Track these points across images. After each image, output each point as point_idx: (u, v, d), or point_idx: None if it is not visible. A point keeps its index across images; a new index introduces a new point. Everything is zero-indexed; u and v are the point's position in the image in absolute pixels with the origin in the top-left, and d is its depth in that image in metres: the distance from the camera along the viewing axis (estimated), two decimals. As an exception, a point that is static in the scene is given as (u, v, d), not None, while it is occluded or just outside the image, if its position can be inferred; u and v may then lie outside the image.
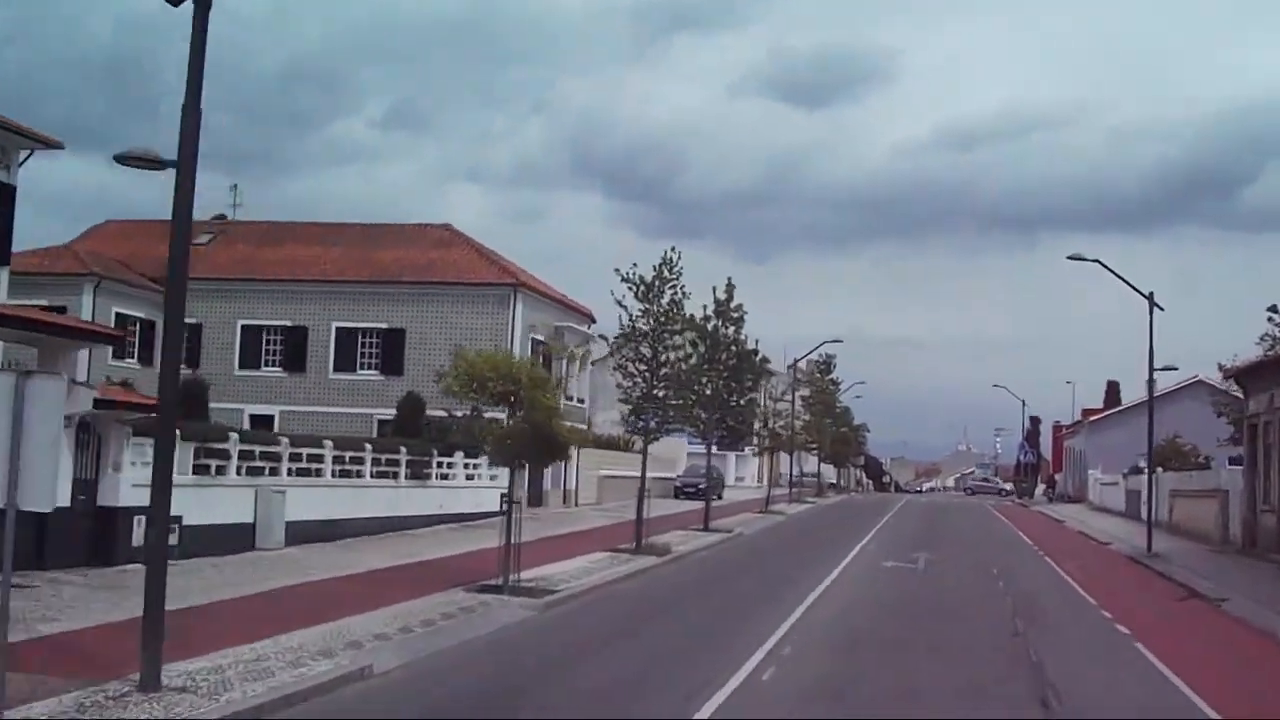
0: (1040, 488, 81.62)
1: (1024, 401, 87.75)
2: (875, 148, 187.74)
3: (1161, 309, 30.16)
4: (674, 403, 29.97)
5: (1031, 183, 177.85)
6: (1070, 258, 29.88)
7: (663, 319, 27.37)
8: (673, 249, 27.57)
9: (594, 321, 43.42)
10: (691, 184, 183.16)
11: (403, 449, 29.21)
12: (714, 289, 34.63)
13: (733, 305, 34.61)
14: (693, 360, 34.39)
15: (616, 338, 30.63)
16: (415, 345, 37.02)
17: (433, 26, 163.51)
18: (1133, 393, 79.55)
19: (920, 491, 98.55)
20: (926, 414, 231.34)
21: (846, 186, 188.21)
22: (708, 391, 34.39)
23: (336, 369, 37.15)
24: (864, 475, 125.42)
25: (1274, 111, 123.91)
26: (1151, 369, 30.47)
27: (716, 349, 34.35)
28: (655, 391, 27.77)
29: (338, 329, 37.46)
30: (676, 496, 53.96)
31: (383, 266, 38.13)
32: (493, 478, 34.40)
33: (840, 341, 58.40)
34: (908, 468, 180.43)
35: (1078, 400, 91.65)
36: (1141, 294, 30.37)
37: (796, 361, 55.56)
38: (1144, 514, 47.08)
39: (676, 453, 62.97)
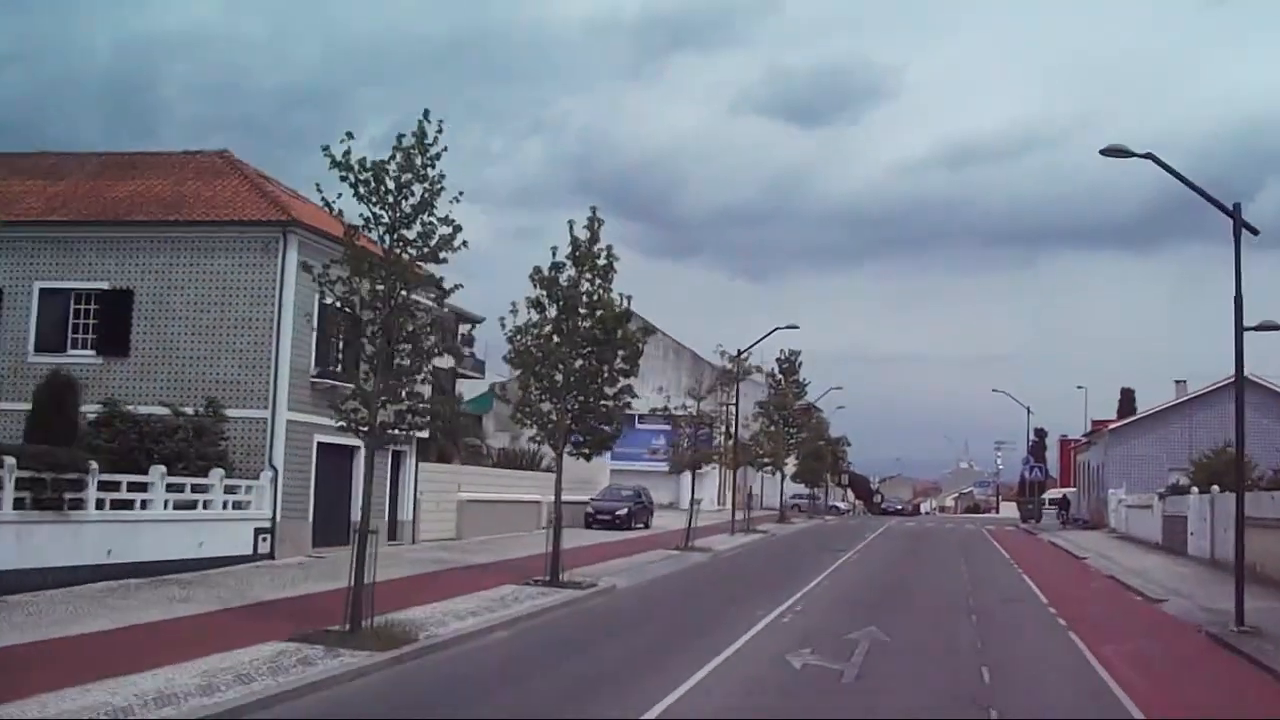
0: (1053, 510, 69.79)
1: (1029, 410, 76.13)
2: (874, 165, 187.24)
3: (1255, 231, 18.57)
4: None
5: (1031, 199, 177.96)
6: (1108, 150, 18.49)
7: (407, 218, 15.99)
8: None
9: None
10: (690, 202, 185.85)
11: (6, 461, 17.56)
12: (570, 224, 23.24)
13: (598, 250, 23.18)
14: (540, 326, 22.99)
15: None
16: (147, 313, 25.49)
17: (431, 46, 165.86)
18: (1151, 399, 67.98)
19: (902, 512, 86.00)
20: (925, 431, 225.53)
21: (846, 204, 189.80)
22: (557, 376, 22.90)
23: (40, 348, 25.64)
24: (852, 495, 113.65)
25: (1275, 125, 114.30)
26: (1240, 320, 18.79)
27: (570, 312, 22.89)
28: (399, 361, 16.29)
29: (42, 291, 25.98)
30: (589, 525, 42.39)
31: (111, 204, 26.66)
32: (237, 505, 22.86)
33: (796, 328, 46.60)
34: (904, 486, 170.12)
35: (1088, 412, 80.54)
36: (1226, 211, 18.84)
37: (742, 354, 44.06)
38: (1191, 547, 35.72)
39: (597, 471, 51.44)
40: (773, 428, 51.18)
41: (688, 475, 67.86)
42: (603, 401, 23.27)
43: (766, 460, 47.89)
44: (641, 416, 70.66)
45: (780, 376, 56.69)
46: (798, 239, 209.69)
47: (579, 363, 22.95)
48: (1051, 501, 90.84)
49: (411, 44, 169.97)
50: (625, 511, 42.53)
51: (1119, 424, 60.11)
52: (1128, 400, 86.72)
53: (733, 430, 49.75)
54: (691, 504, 34.71)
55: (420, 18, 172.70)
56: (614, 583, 23.75)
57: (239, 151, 29.90)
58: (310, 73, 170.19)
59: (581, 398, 22.99)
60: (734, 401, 49.90)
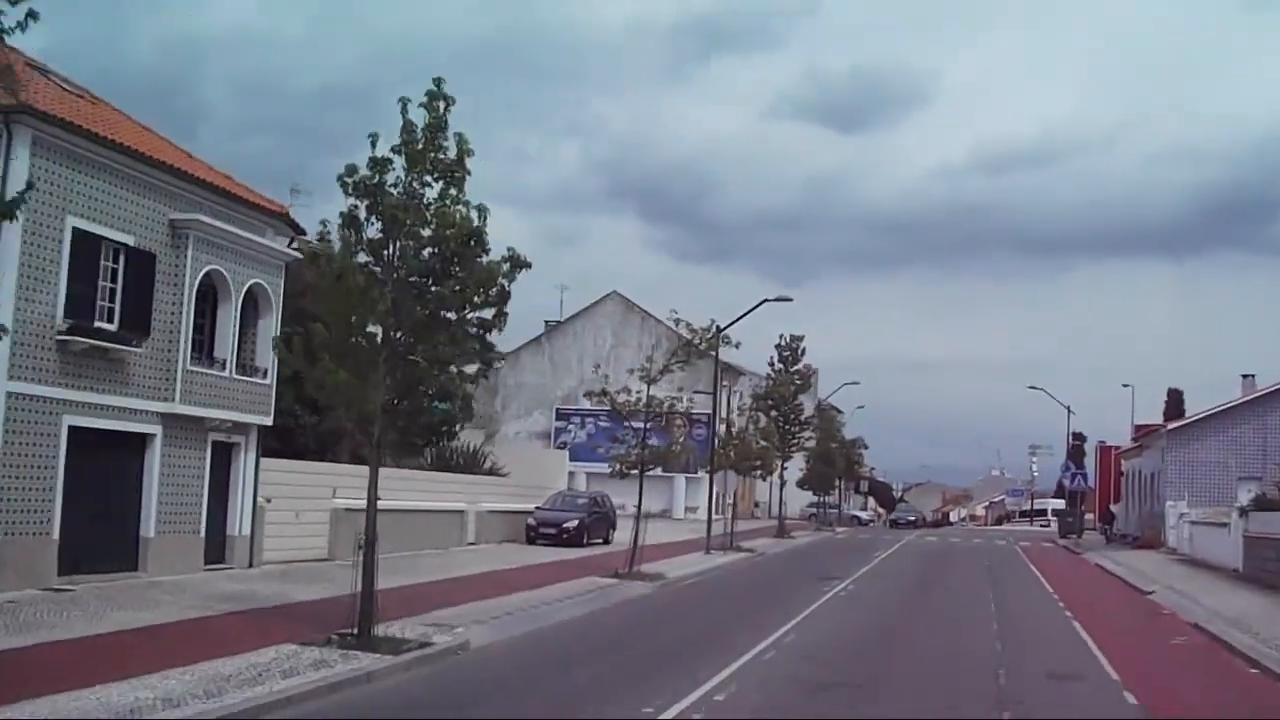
0: (1096, 526, 61.45)
1: (1068, 409, 67.75)
2: (911, 170, 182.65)
3: None
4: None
5: (1068, 205, 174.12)
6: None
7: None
8: None
9: (299, 231, 24.18)
10: (725, 207, 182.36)
11: None
12: (402, 104, 15.36)
13: (443, 141, 15.35)
14: (350, 254, 15.25)
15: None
16: None
17: (467, 47, 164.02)
18: (1203, 402, 59.19)
19: (917, 524, 76.51)
20: (956, 438, 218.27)
21: (881, 209, 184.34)
22: (377, 329, 15.11)
23: None
24: (873, 504, 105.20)
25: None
26: None
27: (399, 231, 15.04)
28: None
29: None
30: (531, 541, 34.59)
31: None
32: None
33: (790, 300, 38.55)
34: (933, 494, 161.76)
35: (1133, 414, 72.15)
36: None
37: (719, 328, 35.72)
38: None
39: (554, 471, 43.80)
40: (764, 423, 43.17)
41: (680, 479, 60.22)
42: (441, 369, 15.35)
43: (754, 464, 39.75)
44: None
45: (780, 365, 48.71)
46: (832, 244, 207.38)
47: (407, 308, 15.08)
48: (1054, 512, 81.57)
49: (448, 44, 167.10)
50: (575, 524, 34.66)
51: (1178, 424, 51.51)
52: (1175, 402, 78.03)
53: (720, 426, 41.91)
54: (639, 516, 26.75)
55: (458, 18, 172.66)
56: (468, 637, 15.84)
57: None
58: (348, 73, 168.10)
59: (411, 361, 15.10)
60: (702, 389, 42.01)
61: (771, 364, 48.60)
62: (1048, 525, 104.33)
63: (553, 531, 34.31)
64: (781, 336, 48.48)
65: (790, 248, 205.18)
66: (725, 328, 35.36)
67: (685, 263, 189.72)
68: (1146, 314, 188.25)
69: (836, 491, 67.30)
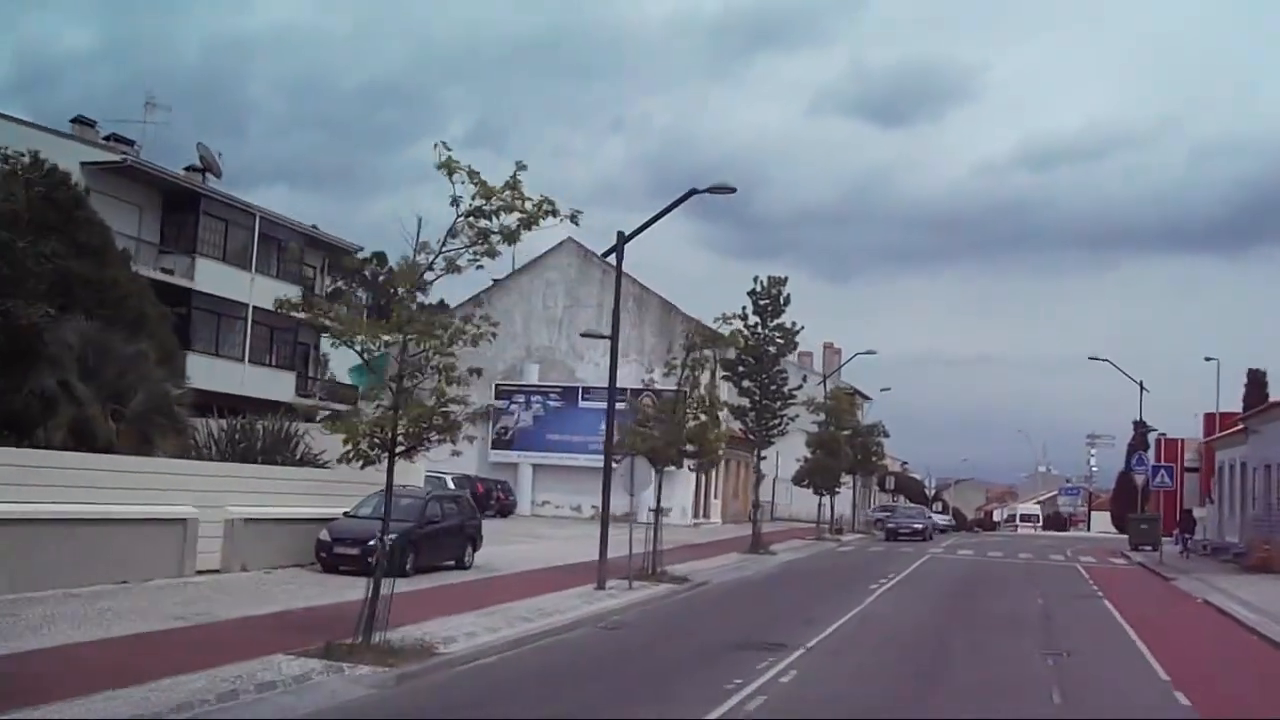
0: (1173, 536, 48.21)
1: (1141, 385, 54.53)
2: (956, 166, 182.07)
3: None
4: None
5: (1115, 201, 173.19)
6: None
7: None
8: None
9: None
10: (770, 203, 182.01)
11: None
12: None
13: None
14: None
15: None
16: None
17: (514, 44, 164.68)
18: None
19: (922, 534, 57.00)
20: (1001, 434, 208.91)
21: (927, 205, 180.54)
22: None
23: None
24: (905, 503, 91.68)
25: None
26: None
27: None
28: None
29: None
30: (326, 565, 22.19)
31: None
32: None
33: (734, 190, 25.66)
34: (977, 491, 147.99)
35: (1219, 394, 58.78)
36: None
37: (624, 237, 22.57)
38: None
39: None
40: (717, 389, 30.44)
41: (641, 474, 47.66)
42: None
43: (684, 448, 26.57)
44: (589, 389, 50.53)
45: (755, 318, 35.95)
46: (878, 240, 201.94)
47: None
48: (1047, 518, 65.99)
49: (494, 43, 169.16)
50: (392, 542, 21.88)
51: (1301, 402, 38.07)
52: (1258, 385, 64.36)
53: (646, 398, 29.33)
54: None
55: (503, 16, 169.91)
56: None
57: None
58: (393, 71, 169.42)
59: None
60: (691, 367, 29.38)
61: (744, 317, 35.80)
62: (1038, 528, 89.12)
63: (354, 552, 21.70)
64: (756, 280, 35.75)
65: (836, 244, 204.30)
66: (632, 236, 22.91)
67: (730, 259, 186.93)
68: (1198, 308, 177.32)
69: (851, 489, 54.13)
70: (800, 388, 36.61)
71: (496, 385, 50.28)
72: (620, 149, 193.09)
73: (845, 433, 48.45)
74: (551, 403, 51.01)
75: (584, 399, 50.31)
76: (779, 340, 35.52)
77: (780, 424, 35.63)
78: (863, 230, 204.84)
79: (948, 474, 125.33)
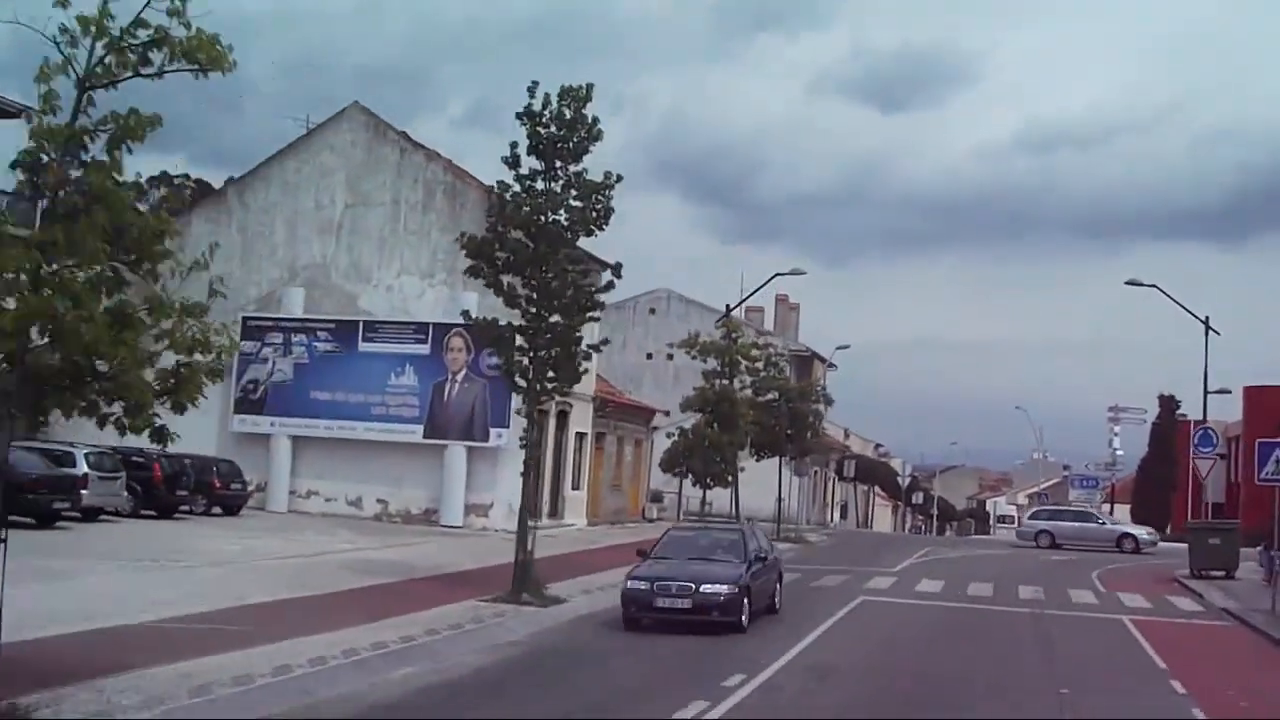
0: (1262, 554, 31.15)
1: (1207, 323, 37.64)
2: (956, 151, 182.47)
3: None
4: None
5: (1117, 187, 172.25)
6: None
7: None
8: None
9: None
10: (769, 186, 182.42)
11: None
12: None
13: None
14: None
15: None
16: None
17: (513, 24, 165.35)
18: None
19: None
20: (997, 419, 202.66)
21: (926, 189, 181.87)
22: None
23: None
24: (881, 494, 74.99)
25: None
26: None
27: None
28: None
29: None
30: None
31: None
32: None
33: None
34: (968, 479, 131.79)
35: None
36: None
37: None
38: None
39: None
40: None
41: (460, 450, 31.21)
42: None
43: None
44: (375, 324, 34.11)
45: (534, 162, 19.08)
46: (876, 224, 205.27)
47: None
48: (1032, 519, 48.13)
49: (493, 22, 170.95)
50: None
51: None
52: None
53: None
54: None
55: None
56: None
57: None
58: (393, 50, 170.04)
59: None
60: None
61: (513, 162, 18.94)
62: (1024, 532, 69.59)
63: None
64: (532, 91, 18.92)
65: (834, 228, 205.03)
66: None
67: (728, 242, 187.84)
68: (1199, 296, 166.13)
69: (778, 477, 37.11)
70: (611, 287, 19.42)
71: (244, 319, 33.45)
72: (619, 130, 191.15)
73: (754, 394, 31.65)
74: (320, 343, 34.19)
75: (366, 339, 33.54)
76: (574, 202, 18.73)
77: (571, 355, 18.60)
78: (861, 214, 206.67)
79: (940, 461, 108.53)
